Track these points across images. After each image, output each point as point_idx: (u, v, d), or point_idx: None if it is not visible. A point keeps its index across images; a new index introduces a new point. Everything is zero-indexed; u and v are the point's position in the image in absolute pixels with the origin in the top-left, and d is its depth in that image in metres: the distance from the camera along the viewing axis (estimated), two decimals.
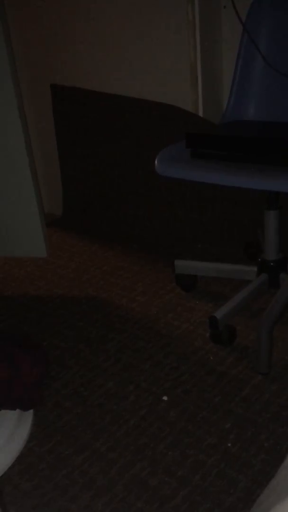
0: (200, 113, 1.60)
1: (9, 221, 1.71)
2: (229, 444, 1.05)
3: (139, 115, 1.70)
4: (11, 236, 1.74)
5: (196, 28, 1.48)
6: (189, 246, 1.74)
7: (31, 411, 1.16)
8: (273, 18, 1.35)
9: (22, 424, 1.12)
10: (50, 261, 1.81)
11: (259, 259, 1.43)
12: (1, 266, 1.81)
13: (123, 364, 1.30)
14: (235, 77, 1.42)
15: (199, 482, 0.97)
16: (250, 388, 1.19)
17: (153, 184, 1.76)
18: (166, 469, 1.01)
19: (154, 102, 1.65)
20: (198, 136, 1.26)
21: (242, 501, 0.93)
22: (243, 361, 1.27)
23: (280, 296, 1.26)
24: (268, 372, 1.22)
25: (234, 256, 1.64)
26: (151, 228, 1.84)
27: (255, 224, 1.59)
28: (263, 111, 1.40)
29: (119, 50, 1.67)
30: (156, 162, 1.26)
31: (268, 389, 1.17)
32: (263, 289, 1.42)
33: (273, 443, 1.04)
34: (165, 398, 1.18)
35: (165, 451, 1.05)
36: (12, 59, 1.44)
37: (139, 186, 1.81)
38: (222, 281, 1.58)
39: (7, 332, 1.46)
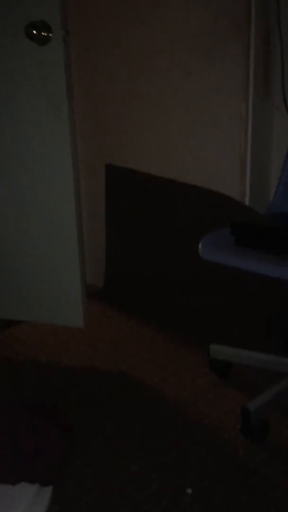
0: (247, 203, 1.64)
1: (51, 288, 1.75)
2: None
3: (187, 199, 1.77)
4: (50, 303, 1.78)
5: (249, 125, 1.56)
6: (226, 332, 1.72)
7: (50, 487, 1.13)
8: None
9: (40, 500, 1.09)
10: (86, 332, 1.82)
11: None
12: (37, 332, 1.83)
13: (149, 448, 1.26)
14: (284, 170, 1.46)
15: None
16: (281, 492, 1.12)
17: (195, 266, 1.78)
18: None
19: (203, 188, 1.71)
20: (243, 224, 1.29)
21: None
22: (274, 460, 1.21)
23: None
24: None
25: (271, 346, 1.60)
26: (189, 309, 1.84)
27: None
28: None
29: (174, 138, 1.76)
30: (200, 246, 1.29)
31: None
32: None
33: None
34: (189, 491, 1.13)
35: None
36: (74, 138, 1.54)
37: (181, 267, 1.83)
38: (258, 371, 1.54)
39: (35, 400, 1.45)
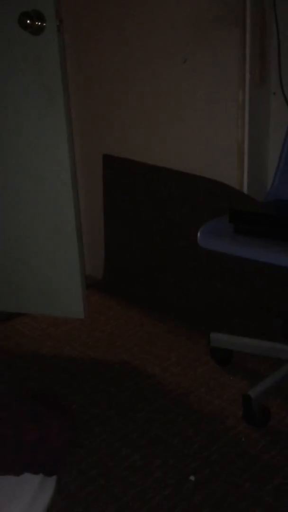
0: (245, 190, 1.64)
1: (51, 280, 1.75)
2: None
3: (185, 188, 1.76)
4: (51, 295, 1.78)
5: (245, 111, 1.55)
6: (226, 320, 1.73)
7: (54, 477, 1.13)
8: None
9: (44, 490, 1.10)
10: (87, 323, 1.83)
11: None
12: (39, 324, 1.84)
13: (151, 436, 1.27)
14: (281, 157, 1.46)
15: None
16: (283, 477, 1.12)
17: (194, 255, 1.78)
18: None
19: (201, 177, 1.70)
20: (242, 212, 1.29)
21: None
22: (276, 446, 1.21)
23: None
24: None
25: (272, 333, 1.61)
26: (189, 298, 1.84)
27: None
28: None
29: (170, 126, 1.75)
30: (199, 234, 1.29)
31: None
32: None
33: None
34: (192, 478, 1.13)
35: None
36: (70, 129, 1.53)
37: (180, 256, 1.83)
38: (259, 359, 1.54)
39: (38, 391, 1.46)
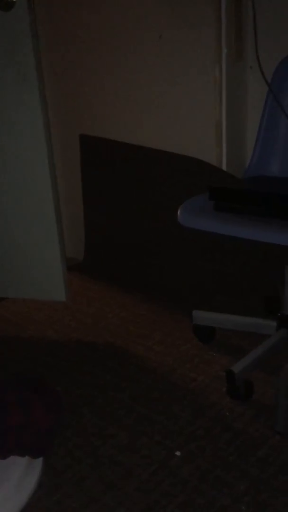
0: (224, 168, 1.63)
1: (31, 263, 1.73)
2: (243, 507, 1.00)
3: (164, 167, 1.75)
4: (32, 278, 1.76)
5: (223, 87, 1.54)
6: (208, 297, 1.74)
7: (41, 459, 1.14)
8: None
9: (31, 472, 1.10)
10: (69, 305, 1.82)
11: (279, 314, 1.42)
12: (21, 308, 1.82)
13: (137, 414, 1.27)
14: (259, 133, 1.45)
15: None
16: (267, 448, 1.15)
17: (174, 234, 1.78)
18: None
19: (179, 155, 1.69)
20: (221, 189, 1.28)
21: None
22: (260, 419, 1.23)
23: None
24: (286, 432, 1.18)
25: (253, 309, 1.62)
26: (171, 277, 1.84)
27: (275, 278, 1.58)
28: (286, 168, 1.43)
29: (147, 104, 1.73)
30: (179, 212, 1.28)
31: (286, 450, 1.13)
32: (282, 344, 1.39)
33: None
34: (178, 453, 1.15)
35: (177, 510, 1.01)
36: (45, 108, 1.50)
37: (161, 235, 1.83)
38: (241, 335, 1.56)
39: (23, 375, 1.45)
